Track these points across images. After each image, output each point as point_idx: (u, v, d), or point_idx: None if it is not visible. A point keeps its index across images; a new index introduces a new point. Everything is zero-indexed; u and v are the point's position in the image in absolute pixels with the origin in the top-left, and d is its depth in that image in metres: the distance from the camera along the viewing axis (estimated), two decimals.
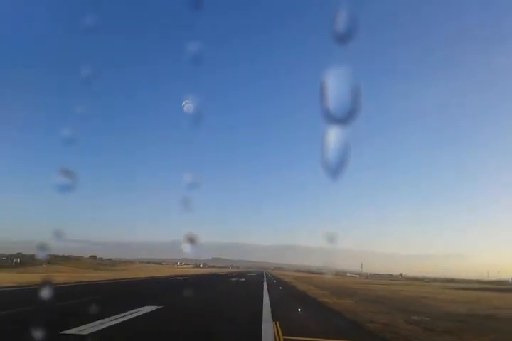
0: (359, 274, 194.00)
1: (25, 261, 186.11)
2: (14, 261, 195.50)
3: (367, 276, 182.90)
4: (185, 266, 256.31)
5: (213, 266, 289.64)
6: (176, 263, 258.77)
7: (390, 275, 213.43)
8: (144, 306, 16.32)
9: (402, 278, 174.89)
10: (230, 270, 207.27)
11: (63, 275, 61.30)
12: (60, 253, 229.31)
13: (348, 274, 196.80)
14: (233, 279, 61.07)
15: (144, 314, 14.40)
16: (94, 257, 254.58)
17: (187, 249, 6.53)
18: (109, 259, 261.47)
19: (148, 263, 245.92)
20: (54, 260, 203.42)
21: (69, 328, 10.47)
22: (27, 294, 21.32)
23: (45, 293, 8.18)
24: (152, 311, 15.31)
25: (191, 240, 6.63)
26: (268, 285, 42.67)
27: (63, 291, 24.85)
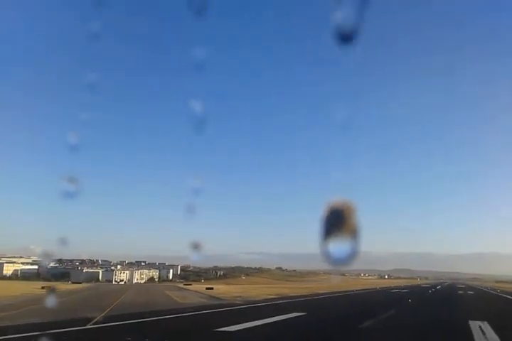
0: None
1: (226, 273, 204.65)
2: (218, 273, 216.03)
3: None
4: (370, 277, 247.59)
5: (398, 277, 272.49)
6: (360, 275, 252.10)
7: None
8: None
9: None
10: (424, 281, 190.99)
11: (279, 287, 62.86)
12: (245, 265, 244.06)
13: None
14: (460, 292, 53.29)
15: None
16: (280, 268, 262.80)
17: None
18: (294, 270, 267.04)
19: (329, 274, 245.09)
20: (249, 271, 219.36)
21: None
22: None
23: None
24: None
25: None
26: None
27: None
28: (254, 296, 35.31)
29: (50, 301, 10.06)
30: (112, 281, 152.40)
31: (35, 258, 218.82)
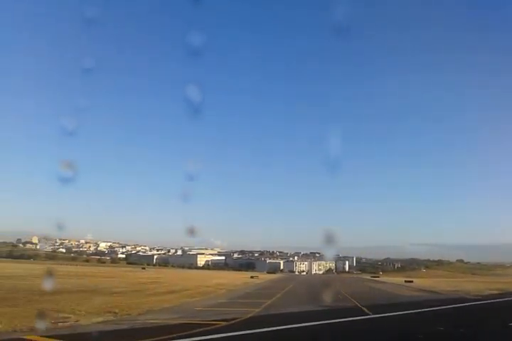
0: None
1: (404, 266, 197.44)
2: (396, 265, 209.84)
3: None
4: None
5: None
6: None
7: None
8: None
9: None
10: None
11: (483, 282, 58.10)
12: (419, 257, 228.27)
13: None
14: None
15: None
16: (461, 261, 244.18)
17: None
18: (478, 263, 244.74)
19: None
20: (429, 264, 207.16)
21: None
22: None
23: None
24: None
25: None
26: None
27: None
28: (475, 291, 34.48)
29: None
30: (293, 272, 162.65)
31: (218, 250, 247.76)
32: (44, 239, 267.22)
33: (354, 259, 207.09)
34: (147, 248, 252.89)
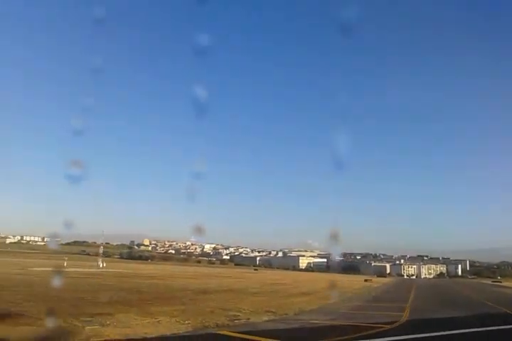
0: None
1: None
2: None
3: None
4: None
5: None
6: None
7: None
8: None
9: None
10: None
11: None
12: None
13: None
14: None
15: None
16: None
17: None
18: None
19: None
20: None
21: None
22: None
23: None
24: None
25: None
26: None
27: None
28: None
29: None
30: (402, 275, 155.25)
31: (318, 252, 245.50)
32: (155, 241, 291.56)
33: (468, 262, 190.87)
34: (248, 249, 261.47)
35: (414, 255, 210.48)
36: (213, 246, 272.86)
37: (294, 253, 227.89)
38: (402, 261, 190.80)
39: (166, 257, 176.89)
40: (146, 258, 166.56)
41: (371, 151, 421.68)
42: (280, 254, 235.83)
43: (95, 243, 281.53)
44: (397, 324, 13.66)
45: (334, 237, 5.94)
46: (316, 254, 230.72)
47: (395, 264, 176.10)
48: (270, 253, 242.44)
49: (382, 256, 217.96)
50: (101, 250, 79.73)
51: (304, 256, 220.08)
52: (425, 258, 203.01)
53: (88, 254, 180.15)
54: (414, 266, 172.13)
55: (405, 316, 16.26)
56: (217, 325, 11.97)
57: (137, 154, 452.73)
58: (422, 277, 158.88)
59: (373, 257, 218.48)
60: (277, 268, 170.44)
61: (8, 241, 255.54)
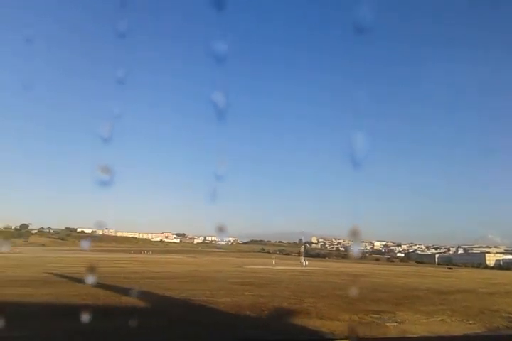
0: None
1: None
2: None
3: None
4: None
5: None
6: None
7: None
8: None
9: None
10: None
11: None
12: None
13: None
14: None
15: None
16: None
17: None
18: None
19: None
20: None
21: None
22: None
23: None
24: None
25: None
26: None
27: None
28: None
29: None
30: None
31: (504, 247, 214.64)
32: (322, 239, 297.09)
33: None
34: (423, 246, 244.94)
35: None
36: (384, 243, 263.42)
37: (475, 250, 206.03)
38: None
39: (344, 255, 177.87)
40: (324, 256, 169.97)
41: None
42: (460, 251, 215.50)
43: (270, 241, 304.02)
44: None
45: None
46: (502, 250, 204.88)
47: None
48: (449, 249, 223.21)
49: None
50: (302, 249, 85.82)
51: (489, 252, 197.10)
52: None
53: (268, 252, 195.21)
54: None
55: None
56: (507, 327, 12.33)
57: None
58: None
59: None
60: (465, 266, 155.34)
61: (195, 241, 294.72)
